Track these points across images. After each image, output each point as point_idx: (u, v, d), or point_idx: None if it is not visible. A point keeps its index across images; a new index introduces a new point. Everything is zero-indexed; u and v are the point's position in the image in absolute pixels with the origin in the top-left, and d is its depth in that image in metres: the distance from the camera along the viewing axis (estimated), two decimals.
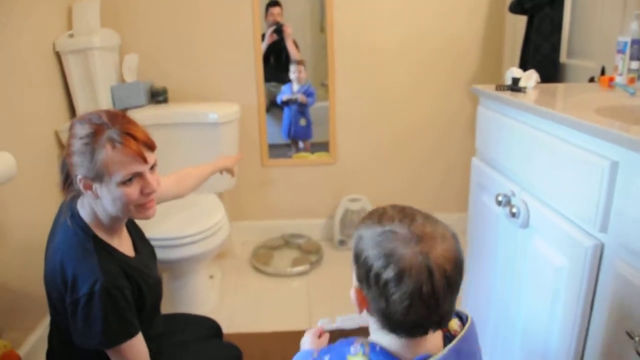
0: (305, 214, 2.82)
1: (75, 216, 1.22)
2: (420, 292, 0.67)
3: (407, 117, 2.66)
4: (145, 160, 1.17)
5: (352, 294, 0.77)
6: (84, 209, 1.23)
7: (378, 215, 0.76)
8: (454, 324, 0.82)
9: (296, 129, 2.71)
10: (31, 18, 1.86)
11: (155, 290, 1.34)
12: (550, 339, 1.10)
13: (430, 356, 0.74)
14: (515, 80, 1.40)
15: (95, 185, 1.15)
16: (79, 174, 1.15)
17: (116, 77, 2.32)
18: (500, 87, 1.40)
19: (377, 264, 0.70)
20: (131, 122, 1.18)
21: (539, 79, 1.42)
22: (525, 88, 1.37)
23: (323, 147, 2.72)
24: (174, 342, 1.60)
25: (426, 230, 0.71)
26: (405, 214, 0.74)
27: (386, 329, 0.74)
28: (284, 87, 2.64)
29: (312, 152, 2.74)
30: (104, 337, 1.16)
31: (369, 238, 0.73)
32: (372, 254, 0.71)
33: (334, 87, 2.59)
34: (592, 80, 1.74)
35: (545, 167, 1.10)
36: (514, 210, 1.19)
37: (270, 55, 2.58)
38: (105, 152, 1.11)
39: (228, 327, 2.01)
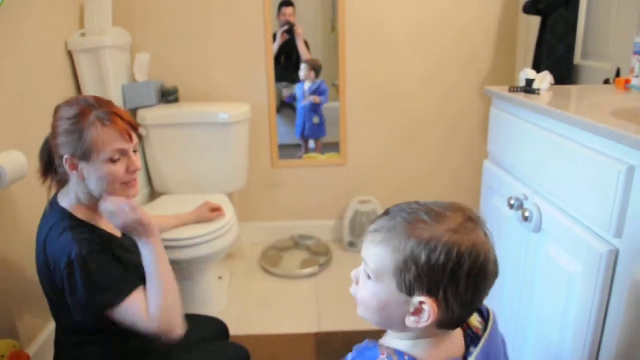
0: (315, 216, 2.81)
1: (54, 204, 1.26)
2: (497, 269, 0.71)
3: (418, 117, 2.64)
4: (131, 139, 1.23)
5: (427, 304, 0.68)
6: (67, 197, 1.26)
7: (431, 216, 0.71)
8: (475, 320, 0.79)
9: (309, 127, 2.70)
10: (43, 17, 1.87)
11: (140, 273, 1.32)
12: (563, 346, 1.08)
13: (456, 359, 0.73)
14: (529, 82, 1.37)
15: (82, 165, 1.19)
16: (66, 154, 1.19)
17: (127, 77, 2.33)
18: (514, 89, 1.38)
19: (465, 261, 0.67)
20: (115, 105, 1.24)
21: (553, 81, 1.40)
22: (539, 90, 1.35)
23: (333, 147, 2.71)
24: (182, 342, 1.60)
25: (474, 213, 0.73)
26: (436, 212, 0.72)
27: (439, 328, 0.71)
28: (296, 87, 2.64)
29: (323, 152, 2.73)
30: (103, 299, 1.16)
31: (439, 240, 0.68)
32: (453, 253, 0.67)
33: (345, 88, 2.58)
34: (607, 82, 1.72)
35: (559, 171, 1.08)
36: (527, 214, 1.17)
37: (281, 55, 2.57)
38: (95, 130, 1.17)
39: (236, 329, 2.00)
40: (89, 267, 1.16)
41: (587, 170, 0.98)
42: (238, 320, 2.09)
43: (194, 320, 1.77)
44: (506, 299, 1.38)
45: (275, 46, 2.52)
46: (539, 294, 1.19)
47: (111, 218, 1.21)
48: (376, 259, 0.72)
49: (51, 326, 1.81)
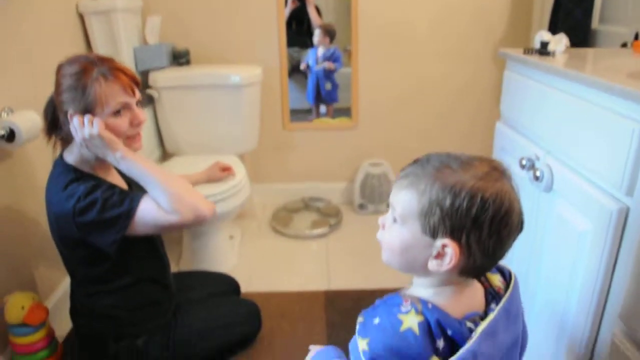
0: (326, 178, 2.82)
1: (60, 161, 1.30)
2: (522, 220, 0.73)
3: (430, 82, 2.62)
4: (134, 93, 1.26)
5: (449, 247, 0.70)
6: (71, 154, 1.29)
7: (459, 163, 0.73)
8: (497, 280, 0.80)
9: (321, 92, 2.70)
10: None
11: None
12: (570, 303, 1.10)
13: (477, 314, 0.74)
14: (544, 44, 1.36)
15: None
16: (70, 110, 1.21)
17: (139, 39, 2.32)
18: (529, 51, 1.37)
19: (488, 207, 0.69)
20: (117, 61, 1.27)
21: (568, 43, 1.38)
22: (554, 52, 1.34)
23: (345, 112, 2.71)
24: (193, 296, 1.64)
25: (501, 166, 0.74)
26: (463, 161, 0.73)
27: (461, 276, 0.74)
28: (309, 52, 2.62)
29: (334, 117, 2.73)
30: (118, 218, 1.20)
31: (464, 185, 0.69)
32: (477, 198, 0.68)
33: (357, 53, 2.56)
34: (624, 45, 1.69)
35: (572, 131, 1.08)
36: (538, 173, 1.17)
37: (292, 21, 2.55)
38: (98, 85, 1.20)
39: (246, 286, 2.04)
40: (96, 196, 1.19)
41: (600, 129, 0.98)
42: (248, 277, 2.13)
43: (205, 277, 1.83)
44: (515, 260, 1.39)
45: (286, 11, 2.50)
46: (549, 253, 1.20)
47: (75, 134, 1.23)
48: (403, 203, 0.74)
49: (67, 279, 1.86)
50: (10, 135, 1.45)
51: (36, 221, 1.71)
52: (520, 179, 1.31)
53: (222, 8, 2.45)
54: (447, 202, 0.69)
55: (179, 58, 2.41)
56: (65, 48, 1.94)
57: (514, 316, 0.76)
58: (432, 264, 0.72)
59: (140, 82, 1.32)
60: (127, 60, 2.18)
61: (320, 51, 2.61)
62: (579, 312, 1.06)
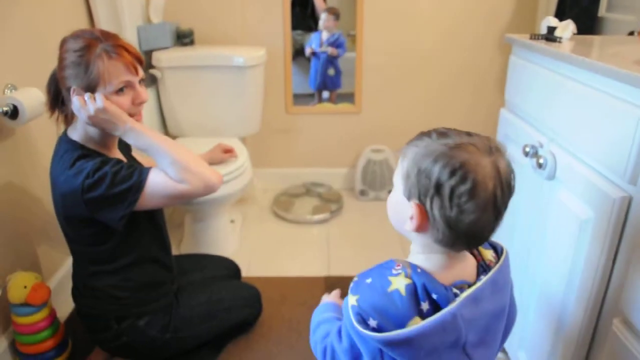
0: (327, 163, 2.82)
1: (65, 138, 1.29)
2: (494, 201, 0.71)
3: (436, 68, 2.61)
4: (136, 71, 1.25)
5: (415, 209, 0.73)
6: (75, 131, 1.29)
7: (438, 134, 0.75)
8: (489, 254, 0.83)
9: (324, 78, 2.68)
10: None
11: None
12: (570, 291, 1.10)
13: (466, 282, 0.76)
14: (551, 30, 1.35)
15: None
16: (73, 85, 1.21)
17: (142, 18, 2.30)
18: (535, 36, 1.36)
19: (450, 176, 0.69)
20: (121, 38, 1.25)
21: (575, 30, 1.37)
22: (560, 38, 1.32)
23: (348, 98, 2.69)
24: (194, 279, 1.65)
25: (493, 144, 0.73)
26: (464, 132, 0.76)
27: (440, 244, 0.75)
28: (313, 36, 2.60)
29: (336, 103, 2.72)
30: (128, 192, 1.20)
31: (433, 152, 0.72)
32: (440, 165, 0.70)
33: (362, 38, 2.54)
34: (631, 34, 1.68)
35: (577, 118, 1.08)
36: (541, 161, 1.17)
37: (297, 3, 2.53)
38: (101, 62, 1.19)
39: (247, 271, 2.05)
40: (105, 171, 1.19)
41: (605, 116, 0.97)
42: (249, 262, 2.14)
43: (206, 260, 1.83)
44: (517, 247, 1.39)
45: None
46: (550, 241, 1.20)
47: (79, 113, 1.23)
48: (397, 169, 0.79)
49: (70, 260, 1.87)
50: (14, 112, 1.44)
51: (39, 200, 1.71)
52: (523, 167, 1.31)
53: None
54: (417, 166, 0.73)
55: (183, 38, 2.40)
56: (68, 25, 1.89)
57: (500, 287, 0.78)
58: (407, 225, 0.76)
59: (144, 61, 1.31)
60: (130, 39, 2.17)
61: (325, 36, 2.59)
62: (579, 301, 1.06)
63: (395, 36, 2.54)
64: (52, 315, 1.56)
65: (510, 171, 0.74)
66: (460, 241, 0.74)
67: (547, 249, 1.21)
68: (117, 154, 1.39)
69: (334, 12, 2.55)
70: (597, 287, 1.01)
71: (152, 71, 2.27)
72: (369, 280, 0.76)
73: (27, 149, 1.65)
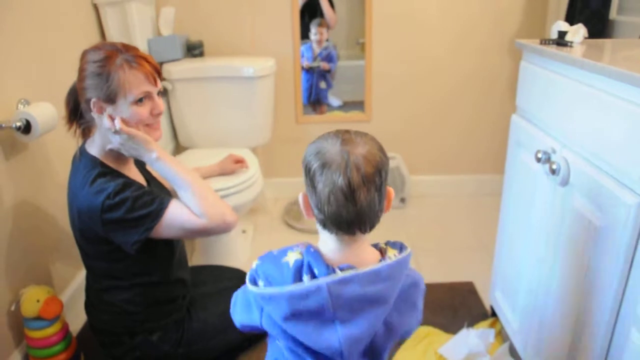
0: None
1: (84, 153, 1.29)
2: (340, 182, 0.79)
3: (445, 75, 2.59)
4: (156, 82, 1.27)
5: (300, 198, 0.88)
6: (93, 145, 1.30)
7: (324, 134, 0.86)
8: (393, 252, 0.88)
9: (317, 91, 2.69)
10: None
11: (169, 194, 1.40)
12: (587, 299, 1.08)
13: (352, 267, 0.82)
14: (562, 34, 1.33)
15: (108, 108, 1.22)
16: (93, 97, 1.21)
17: (153, 30, 2.32)
18: (546, 41, 1.35)
19: (311, 161, 0.82)
20: (140, 50, 1.27)
21: (586, 34, 1.36)
22: (571, 42, 1.31)
23: (358, 106, 2.69)
24: (206, 291, 1.64)
25: (353, 138, 0.83)
26: (343, 131, 0.87)
27: (323, 227, 0.86)
28: (303, 49, 2.59)
29: (346, 111, 2.72)
30: (145, 219, 1.21)
31: (311, 147, 0.84)
32: (308, 154, 0.83)
33: (371, 45, 2.54)
34: None
35: (590, 123, 1.06)
36: (554, 167, 1.15)
37: (306, 13, 2.53)
38: (122, 72, 1.20)
39: None
40: (126, 195, 1.20)
41: (618, 121, 0.96)
42: None
43: (218, 271, 1.82)
44: (530, 253, 1.38)
45: (300, 2, 2.48)
46: (564, 248, 1.18)
47: (112, 137, 1.25)
48: None
49: (82, 274, 1.87)
50: (27, 127, 1.45)
51: (52, 214, 1.72)
52: (536, 173, 1.29)
53: (237, 0, 2.45)
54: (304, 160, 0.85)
55: (193, 50, 2.41)
56: (80, 39, 1.94)
57: (382, 279, 0.82)
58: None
59: (161, 73, 1.33)
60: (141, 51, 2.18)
61: (316, 49, 2.59)
62: (596, 310, 1.05)
63: (404, 43, 2.53)
64: (65, 329, 1.56)
65: (368, 160, 0.80)
66: (331, 223, 0.83)
67: (561, 256, 1.20)
68: (133, 169, 1.40)
69: (325, 25, 2.55)
70: (614, 296, 0.99)
71: (162, 83, 2.28)
72: (275, 252, 0.90)
73: (40, 164, 1.67)
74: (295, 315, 0.81)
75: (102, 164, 1.27)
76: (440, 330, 1.74)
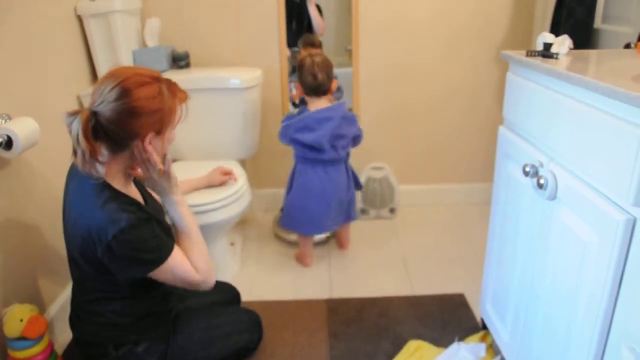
0: None
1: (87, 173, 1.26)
2: (312, 69, 2.01)
3: (433, 84, 2.59)
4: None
5: (294, 89, 1.77)
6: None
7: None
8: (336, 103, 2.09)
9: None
10: None
11: (170, 235, 1.39)
12: (575, 315, 1.08)
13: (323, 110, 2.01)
14: (547, 46, 1.33)
15: (155, 140, 1.27)
16: (149, 133, 1.24)
17: (138, 42, 2.30)
18: (531, 53, 1.35)
19: (301, 66, 2.03)
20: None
21: (571, 45, 1.36)
22: (557, 54, 1.31)
23: None
24: (193, 305, 1.63)
25: (316, 54, 2.04)
26: (316, 53, 2.04)
27: (308, 95, 2.05)
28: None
29: None
30: (147, 262, 1.25)
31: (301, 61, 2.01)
32: (302, 65, 2.01)
33: (358, 53, 2.53)
34: (628, 46, 1.66)
35: (577, 137, 1.06)
36: (542, 181, 1.14)
37: (292, 20, 2.52)
38: (171, 102, 1.27)
39: (248, 294, 2.02)
40: (138, 234, 1.21)
41: (605, 136, 0.95)
42: (250, 285, 2.12)
43: None
44: (518, 267, 1.37)
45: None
46: (552, 263, 1.17)
47: (149, 171, 1.30)
48: None
49: (66, 291, 1.85)
50: (8, 143, 1.42)
51: (36, 230, 1.69)
52: (524, 187, 1.29)
53: (222, 9, 2.43)
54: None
55: (179, 61, 2.39)
56: (63, 52, 1.92)
57: (331, 115, 2.02)
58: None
59: None
60: (126, 63, 2.17)
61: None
62: (585, 326, 1.04)
63: (392, 51, 2.53)
64: (50, 347, 1.53)
65: (323, 60, 2.05)
66: (311, 91, 2.04)
67: (550, 272, 1.19)
68: (133, 187, 1.39)
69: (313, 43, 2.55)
70: (604, 312, 0.98)
71: None
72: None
73: (23, 179, 1.64)
74: (300, 130, 2.03)
75: (110, 187, 1.25)
76: (431, 344, 1.73)
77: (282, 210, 2.33)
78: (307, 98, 2.08)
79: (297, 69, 2.09)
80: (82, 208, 1.24)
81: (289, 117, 2.13)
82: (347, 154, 2.19)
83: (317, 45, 2.46)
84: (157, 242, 1.26)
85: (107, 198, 1.22)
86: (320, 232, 2.37)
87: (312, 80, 2.01)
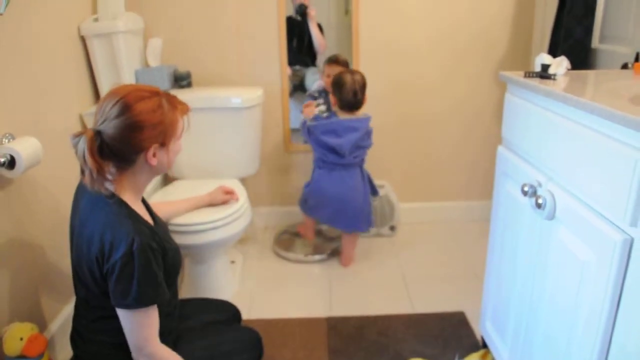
0: None
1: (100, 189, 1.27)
2: (354, 87, 2.19)
3: (433, 103, 2.62)
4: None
5: (332, 98, 2.19)
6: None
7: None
8: (361, 114, 2.23)
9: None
10: (56, 2, 1.86)
11: (176, 255, 1.39)
12: (574, 333, 1.08)
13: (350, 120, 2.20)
14: (545, 67, 1.35)
15: (159, 152, 1.28)
16: (153, 145, 1.25)
17: (140, 62, 2.33)
18: (529, 74, 1.36)
19: (343, 84, 2.19)
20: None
21: (569, 66, 1.37)
22: (555, 75, 1.33)
23: None
24: (193, 324, 1.62)
25: (355, 72, 2.21)
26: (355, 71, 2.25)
27: (341, 108, 2.24)
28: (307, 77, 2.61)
29: None
30: (136, 296, 1.21)
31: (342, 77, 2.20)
32: (344, 83, 2.19)
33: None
34: (625, 66, 1.68)
35: (574, 158, 1.07)
36: (540, 201, 1.15)
37: (293, 38, 2.55)
38: (171, 114, 1.29)
39: (248, 313, 2.02)
40: (147, 260, 1.20)
41: (602, 157, 0.97)
42: (250, 304, 2.11)
43: (206, 304, 1.80)
44: (517, 287, 1.37)
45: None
46: (551, 283, 1.18)
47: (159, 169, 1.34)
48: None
49: (67, 309, 1.84)
50: (11, 162, 1.43)
51: (38, 249, 1.70)
52: (523, 206, 1.30)
53: (224, 29, 2.47)
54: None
55: (181, 80, 2.42)
56: (67, 72, 1.94)
57: (352, 127, 2.23)
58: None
59: None
60: (128, 82, 2.18)
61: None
62: (585, 344, 1.04)
63: (392, 71, 2.56)
64: None
65: (361, 79, 2.25)
66: (346, 106, 2.24)
67: (549, 291, 1.19)
68: (142, 207, 1.39)
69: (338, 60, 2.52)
70: (603, 331, 0.98)
71: None
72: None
73: (26, 199, 1.65)
74: (324, 133, 2.19)
75: (125, 204, 1.26)
76: None
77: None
78: (339, 111, 2.27)
79: (334, 84, 2.22)
80: (95, 225, 1.23)
81: (318, 117, 2.29)
82: (362, 160, 2.34)
83: (342, 63, 2.46)
84: (152, 286, 1.23)
85: (124, 215, 1.23)
86: (334, 225, 2.44)
87: (352, 97, 2.19)
